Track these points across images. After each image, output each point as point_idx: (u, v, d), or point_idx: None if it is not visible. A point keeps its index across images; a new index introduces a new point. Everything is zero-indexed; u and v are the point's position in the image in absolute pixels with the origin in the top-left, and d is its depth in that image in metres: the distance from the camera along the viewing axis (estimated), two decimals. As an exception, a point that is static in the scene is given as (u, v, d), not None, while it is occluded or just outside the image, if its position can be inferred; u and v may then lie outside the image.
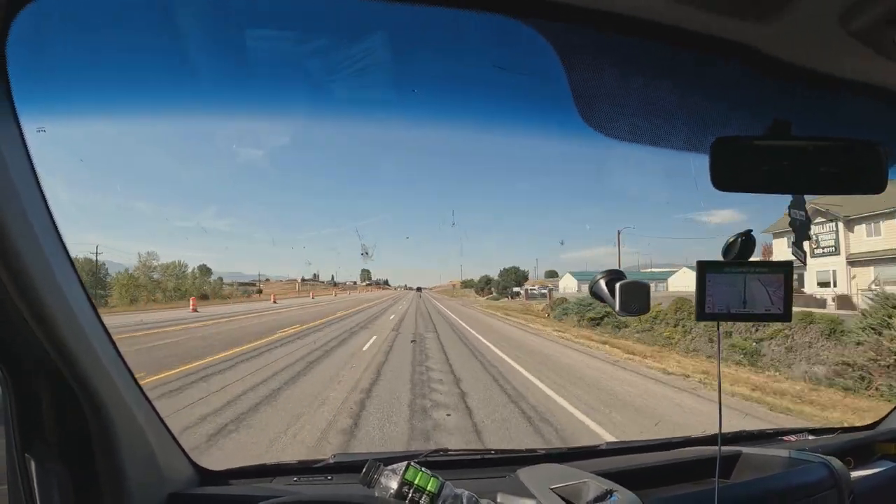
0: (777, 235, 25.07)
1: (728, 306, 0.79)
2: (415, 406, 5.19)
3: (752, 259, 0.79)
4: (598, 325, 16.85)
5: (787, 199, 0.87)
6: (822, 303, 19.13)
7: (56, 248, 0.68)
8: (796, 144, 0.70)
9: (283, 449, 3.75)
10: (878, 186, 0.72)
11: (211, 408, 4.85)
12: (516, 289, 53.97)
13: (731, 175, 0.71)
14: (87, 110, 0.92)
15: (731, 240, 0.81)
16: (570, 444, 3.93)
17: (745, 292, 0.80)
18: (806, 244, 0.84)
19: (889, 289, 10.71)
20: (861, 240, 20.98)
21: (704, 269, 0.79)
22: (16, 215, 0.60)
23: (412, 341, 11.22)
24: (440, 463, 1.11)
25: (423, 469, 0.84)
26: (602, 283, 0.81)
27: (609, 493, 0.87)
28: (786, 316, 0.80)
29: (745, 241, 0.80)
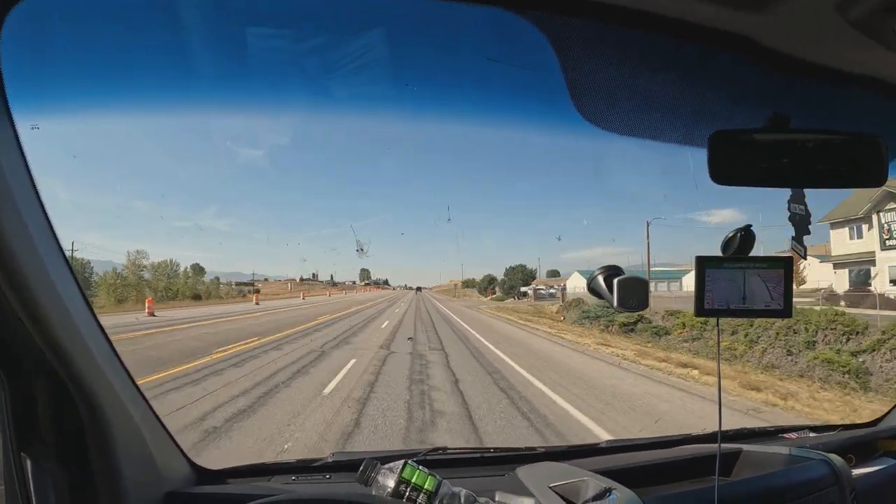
0: (836, 225, 21.38)
1: (728, 302, 0.79)
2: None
3: (759, 255, 0.79)
4: (631, 331, 14.40)
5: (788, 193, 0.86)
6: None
7: (51, 247, 0.68)
8: (795, 137, 0.70)
9: None
10: (878, 179, 0.71)
11: None
12: (524, 288, 49.77)
13: (729, 169, 0.70)
14: (83, 107, 0.92)
15: (731, 235, 0.80)
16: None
17: (744, 288, 0.79)
18: (806, 238, 0.84)
19: None
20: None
21: (704, 265, 0.79)
22: (9, 214, 0.60)
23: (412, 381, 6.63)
24: (439, 462, 1.10)
25: (420, 467, 0.83)
26: (600, 278, 0.81)
27: (608, 491, 0.87)
28: (786, 311, 0.80)
29: (745, 237, 0.79)
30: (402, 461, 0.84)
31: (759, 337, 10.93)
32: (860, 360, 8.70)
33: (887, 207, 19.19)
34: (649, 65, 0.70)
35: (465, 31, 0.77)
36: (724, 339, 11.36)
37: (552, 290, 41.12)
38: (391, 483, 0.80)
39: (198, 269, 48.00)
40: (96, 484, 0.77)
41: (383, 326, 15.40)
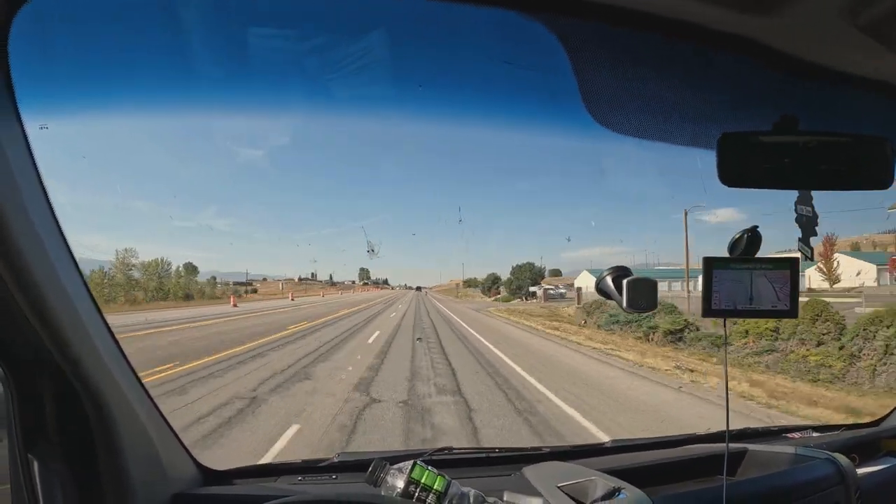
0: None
1: (735, 302, 0.80)
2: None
3: (770, 255, 0.79)
4: (679, 339, 11.47)
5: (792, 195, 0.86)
6: None
7: (58, 246, 0.68)
8: (803, 140, 0.70)
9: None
10: (885, 182, 0.72)
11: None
12: (532, 288, 44.89)
13: (738, 171, 0.70)
14: (88, 107, 0.92)
15: (738, 236, 0.81)
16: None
17: (751, 288, 0.80)
18: (812, 240, 0.84)
19: None
20: None
21: (711, 266, 0.79)
22: (17, 212, 0.60)
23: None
24: (445, 461, 1.10)
25: (429, 468, 0.83)
26: (609, 279, 0.81)
27: (617, 490, 0.87)
28: (792, 312, 0.81)
29: (752, 238, 0.80)
30: (411, 461, 0.84)
31: (861, 350, 7.92)
32: None
33: None
34: (658, 67, 0.70)
35: (469, 32, 0.77)
36: (807, 353, 8.67)
37: (562, 290, 38.81)
38: (401, 483, 0.80)
39: (190, 269, 45.95)
40: (103, 484, 0.77)
41: (370, 341, 10.70)
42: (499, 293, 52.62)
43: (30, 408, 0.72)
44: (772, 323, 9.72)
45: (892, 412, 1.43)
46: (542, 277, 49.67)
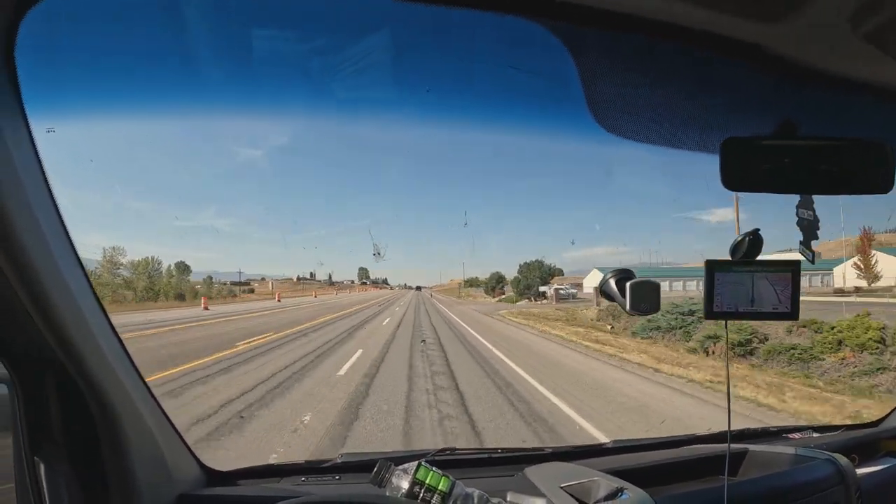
0: None
1: (736, 305, 0.81)
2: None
3: (768, 258, 0.80)
4: (749, 353, 8.94)
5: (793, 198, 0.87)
6: None
7: (62, 244, 0.68)
8: (805, 144, 0.71)
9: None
10: (885, 186, 0.73)
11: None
12: (543, 288, 40.59)
13: (740, 175, 0.71)
14: (94, 110, 0.92)
15: (739, 239, 0.82)
16: None
17: (752, 291, 0.81)
18: (814, 244, 0.85)
19: None
20: None
21: (713, 269, 0.80)
22: (22, 210, 0.60)
23: None
24: (448, 462, 1.11)
25: (433, 468, 0.84)
26: (612, 282, 0.82)
27: (620, 491, 0.88)
28: (793, 314, 0.82)
29: (753, 241, 0.81)
30: (415, 462, 0.84)
31: None
32: None
33: None
34: (663, 72, 0.71)
35: (473, 35, 0.77)
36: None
37: (572, 290, 36.07)
38: (405, 484, 0.81)
39: (182, 268, 43.49)
40: (109, 486, 0.77)
41: (342, 372, 6.79)
42: (503, 293, 48.81)
43: (34, 408, 0.72)
44: (873, 332, 8.00)
45: (891, 413, 1.44)
46: (553, 276, 44.50)
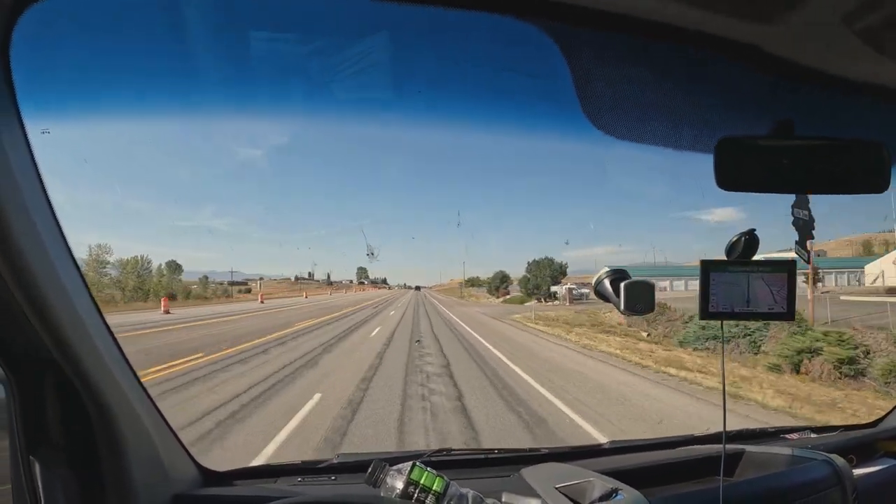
0: None
1: (732, 305, 0.81)
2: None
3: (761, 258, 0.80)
4: (860, 375, 7.00)
5: (788, 198, 0.87)
6: None
7: (58, 246, 0.68)
8: (800, 144, 0.71)
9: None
10: (880, 186, 0.73)
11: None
12: (554, 288, 38.07)
13: (735, 175, 0.71)
14: (90, 109, 0.92)
15: (735, 239, 0.82)
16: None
17: (748, 291, 0.81)
18: (809, 243, 0.85)
19: None
20: None
21: (708, 269, 0.80)
22: (18, 212, 0.60)
23: None
24: (444, 463, 1.11)
25: (428, 469, 0.84)
26: (606, 282, 0.82)
27: (615, 491, 0.88)
28: (789, 315, 0.82)
29: (749, 241, 0.81)
30: (410, 463, 0.84)
31: None
32: None
33: None
34: (657, 72, 0.71)
35: (468, 36, 0.77)
36: None
37: (583, 290, 34.36)
38: (400, 485, 0.81)
39: (174, 267, 42.04)
40: (106, 486, 0.77)
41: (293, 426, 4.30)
42: (507, 293, 46.07)
43: (31, 409, 0.72)
44: None
45: (888, 414, 1.44)
46: (564, 275, 40.59)
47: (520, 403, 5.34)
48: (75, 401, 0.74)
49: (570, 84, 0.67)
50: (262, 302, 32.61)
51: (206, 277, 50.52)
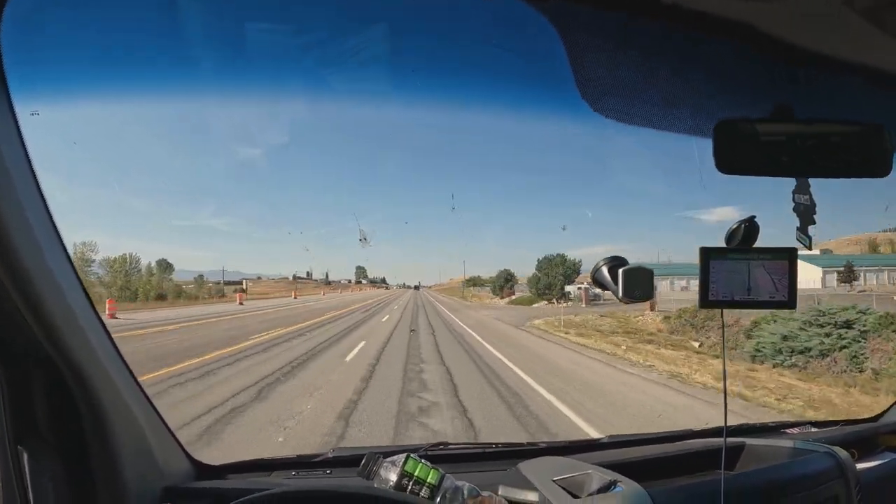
0: None
1: (732, 293, 0.79)
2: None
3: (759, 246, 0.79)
4: None
5: (788, 197, 0.86)
6: None
7: (52, 240, 0.68)
8: (800, 128, 0.70)
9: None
10: (882, 169, 0.71)
11: None
12: (568, 288, 34.39)
13: (734, 158, 0.70)
14: (80, 94, 0.91)
15: (735, 226, 0.80)
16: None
17: (749, 279, 0.79)
18: (811, 229, 0.84)
19: None
20: None
21: (708, 256, 0.79)
22: (11, 207, 0.60)
23: None
24: (440, 457, 1.09)
25: (422, 461, 0.83)
26: (604, 269, 0.81)
27: (613, 483, 0.86)
28: (791, 303, 0.80)
29: (749, 228, 0.80)
30: (403, 455, 0.83)
31: None
32: None
33: None
34: (654, 53, 0.70)
35: (466, 18, 0.77)
36: None
37: (597, 291, 29.70)
38: (393, 476, 0.80)
39: (164, 266, 40.05)
40: (95, 478, 0.76)
41: None
42: (512, 293, 42.40)
43: (20, 401, 0.71)
44: None
45: (890, 408, 1.42)
46: (578, 274, 35.68)
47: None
48: (66, 394, 0.73)
49: (566, 65, 0.66)
50: (240, 304, 28.80)
51: (202, 276, 49.11)
